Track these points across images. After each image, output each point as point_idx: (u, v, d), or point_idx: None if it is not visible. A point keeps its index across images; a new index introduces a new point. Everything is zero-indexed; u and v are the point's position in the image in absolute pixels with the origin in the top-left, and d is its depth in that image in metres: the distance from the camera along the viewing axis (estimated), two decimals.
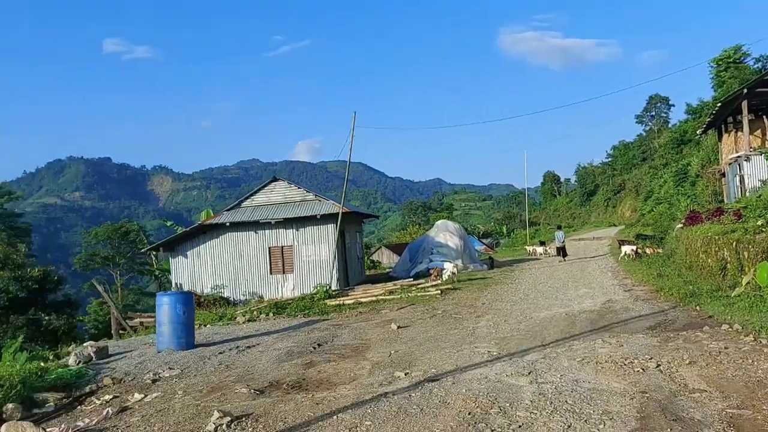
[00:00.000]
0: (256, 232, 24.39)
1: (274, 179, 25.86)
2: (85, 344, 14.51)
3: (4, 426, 7.02)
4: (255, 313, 18.31)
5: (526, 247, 47.67)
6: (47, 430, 7.36)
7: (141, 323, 19.51)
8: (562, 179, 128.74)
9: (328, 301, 20.07)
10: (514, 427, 6.05)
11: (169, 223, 37.98)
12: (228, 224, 24.30)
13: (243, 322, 17.15)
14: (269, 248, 24.35)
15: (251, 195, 25.52)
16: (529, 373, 8.24)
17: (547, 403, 6.78)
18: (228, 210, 25.41)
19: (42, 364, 11.87)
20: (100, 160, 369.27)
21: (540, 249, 38.62)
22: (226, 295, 23.73)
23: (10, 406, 8.70)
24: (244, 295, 24.05)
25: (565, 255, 31.57)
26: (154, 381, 9.92)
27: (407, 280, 25.70)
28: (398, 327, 13.55)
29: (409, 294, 20.42)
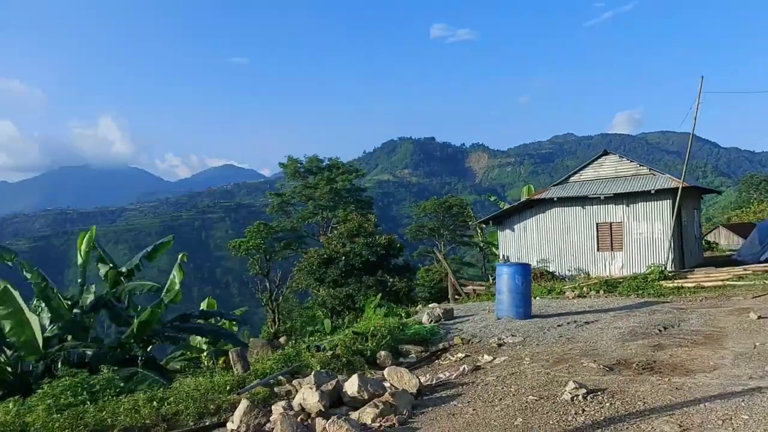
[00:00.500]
0: (583, 208, 23.83)
1: (605, 153, 24.80)
2: (431, 305, 16.10)
3: (386, 370, 8.19)
4: (585, 289, 18.00)
5: None
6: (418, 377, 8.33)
7: (474, 290, 20.84)
8: None
9: (663, 283, 18.65)
10: None
11: (492, 198, 39.57)
12: (555, 199, 24.21)
13: (572, 297, 17.03)
14: (597, 224, 23.57)
15: (580, 169, 24.96)
16: None
17: None
18: (555, 185, 25.30)
19: (398, 319, 13.53)
20: (425, 140, 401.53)
21: None
22: (551, 269, 23.80)
23: (382, 353, 10.14)
24: (569, 271, 23.81)
25: None
26: (499, 345, 10.51)
27: (759, 265, 22.31)
28: (759, 317, 11.89)
29: (765, 281, 17.75)
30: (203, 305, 21.23)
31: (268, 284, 40.54)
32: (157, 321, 13.95)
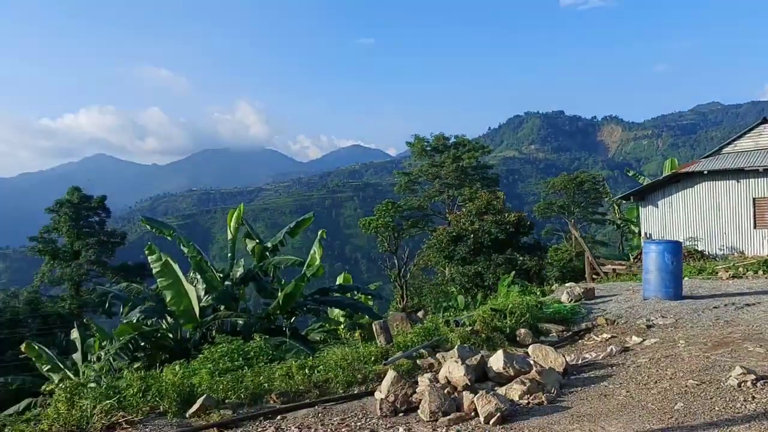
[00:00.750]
0: (738, 182, 21.81)
1: (765, 121, 22.47)
2: (567, 284, 15.60)
3: (531, 347, 8.05)
4: (741, 269, 16.58)
5: None
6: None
7: (613, 270, 19.90)
8: None
9: None
10: None
11: (631, 173, 37.44)
12: (705, 172, 22.38)
13: (726, 278, 15.75)
14: (754, 200, 21.51)
15: (734, 140, 22.86)
16: None
17: None
18: (705, 157, 23.40)
19: (535, 297, 13.22)
20: (553, 114, 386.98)
21: None
22: (700, 248, 22.13)
23: (522, 331, 9.98)
24: (720, 250, 21.99)
25: None
26: (648, 327, 9.96)
27: None
28: None
29: None
30: (339, 280, 22.08)
31: (396, 261, 41.31)
32: (300, 294, 14.70)
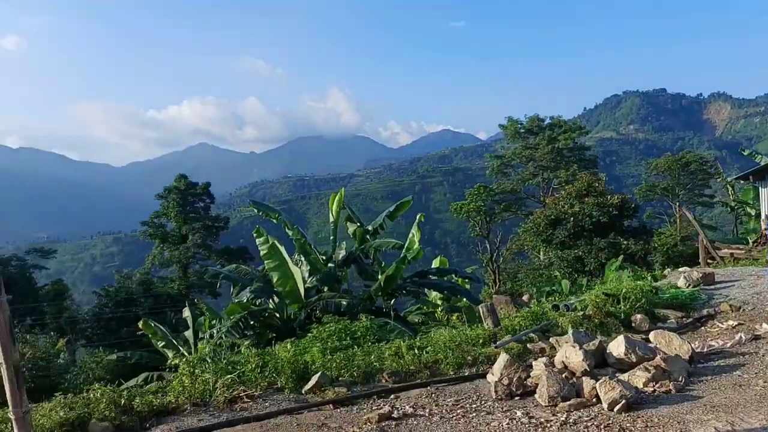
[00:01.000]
0: None
1: None
2: (680, 269, 14.73)
3: (652, 333, 7.64)
4: None
5: None
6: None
7: (731, 254, 18.56)
8: None
9: None
10: None
11: (746, 152, 34.82)
12: None
13: None
14: None
15: None
16: None
17: None
18: None
19: (648, 282, 12.55)
20: (654, 92, 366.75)
21: None
22: None
23: (638, 316, 9.51)
24: None
25: None
26: None
27: None
28: None
29: None
30: (436, 263, 22.01)
31: (488, 245, 40.71)
32: (400, 276, 14.75)
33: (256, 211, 16.13)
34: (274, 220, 15.49)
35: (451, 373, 7.49)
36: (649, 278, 14.38)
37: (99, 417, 6.05)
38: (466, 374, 7.41)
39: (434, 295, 18.70)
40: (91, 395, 6.50)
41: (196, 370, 7.46)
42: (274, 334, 13.94)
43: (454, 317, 17.59)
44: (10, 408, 4.43)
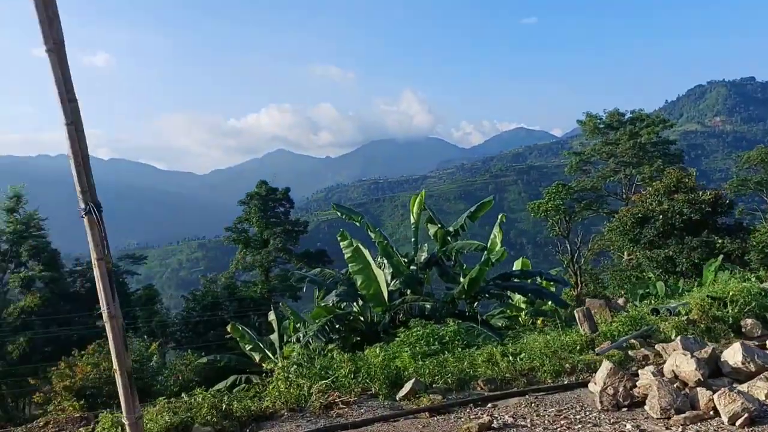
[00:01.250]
0: None
1: None
2: None
3: None
4: None
5: None
6: None
7: None
8: None
9: None
10: None
11: None
12: None
13: None
14: None
15: None
16: None
17: None
18: None
19: (756, 284, 11.71)
20: (743, 81, 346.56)
21: None
22: None
23: (749, 321, 8.87)
24: None
25: None
26: None
27: None
28: None
29: None
30: (518, 265, 21.49)
31: (568, 246, 39.46)
32: (483, 279, 14.47)
33: (339, 214, 16.29)
34: (357, 223, 15.58)
35: (549, 381, 7.21)
36: (753, 279, 13.47)
37: (201, 422, 6.18)
38: (566, 383, 7.11)
39: (518, 298, 18.25)
40: (193, 400, 6.66)
41: (290, 375, 7.53)
42: (359, 338, 13.99)
43: (539, 321, 17.08)
44: (124, 413, 4.56)
